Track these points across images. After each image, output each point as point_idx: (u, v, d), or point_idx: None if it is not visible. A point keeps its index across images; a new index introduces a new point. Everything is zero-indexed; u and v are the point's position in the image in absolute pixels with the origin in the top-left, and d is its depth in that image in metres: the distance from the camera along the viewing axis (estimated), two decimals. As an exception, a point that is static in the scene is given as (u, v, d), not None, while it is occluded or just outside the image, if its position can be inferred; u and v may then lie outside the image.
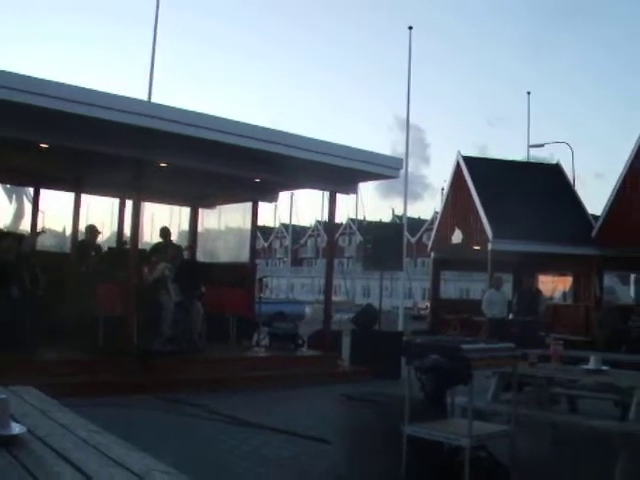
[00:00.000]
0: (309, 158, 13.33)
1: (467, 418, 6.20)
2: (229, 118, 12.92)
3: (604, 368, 8.10)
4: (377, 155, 14.73)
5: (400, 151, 29.18)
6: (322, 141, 13.90)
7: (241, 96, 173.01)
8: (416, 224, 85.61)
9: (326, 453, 7.67)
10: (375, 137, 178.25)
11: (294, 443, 8.37)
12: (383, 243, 16.17)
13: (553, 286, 31.41)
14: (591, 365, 8.05)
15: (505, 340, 17.10)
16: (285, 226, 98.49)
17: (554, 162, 29.78)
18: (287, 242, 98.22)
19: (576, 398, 9.73)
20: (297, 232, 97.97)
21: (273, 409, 10.52)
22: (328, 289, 16.40)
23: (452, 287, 65.76)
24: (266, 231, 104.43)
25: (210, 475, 6.57)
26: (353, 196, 18.45)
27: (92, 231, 15.20)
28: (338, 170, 14.13)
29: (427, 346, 6.47)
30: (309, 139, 13.74)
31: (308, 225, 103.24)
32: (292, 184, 16.72)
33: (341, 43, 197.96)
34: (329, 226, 17.07)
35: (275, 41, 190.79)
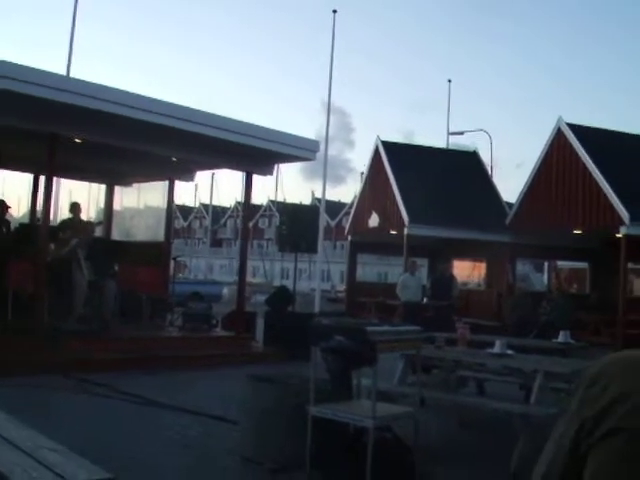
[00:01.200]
0: (223, 137, 13.21)
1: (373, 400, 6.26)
2: (142, 94, 12.72)
3: (509, 352, 8.26)
4: (293, 137, 14.69)
5: (324, 134, 29.04)
6: (237, 121, 13.81)
7: (169, 82, 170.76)
8: (337, 207, 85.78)
9: (233, 433, 7.66)
10: (303, 121, 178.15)
11: (201, 423, 8.33)
12: (299, 225, 16.18)
13: (468, 272, 31.90)
14: (496, 349, 8.19)
15: (418, 324, 17.38)
16: (205, 206, 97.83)
17: (472, 150, 30.22)
18: (207, 222, 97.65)
19: (484, 381, 9.90)
20: (217, 213, 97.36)
21: (182, 389, 10.46)
22: (242, 270, 16.37)
23: (370, 270, 66.18)
24: (186, 211, 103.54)
25: (111, 455, 6.48)
26: (275, 178, 18.38)
27: (1, 206, 14.78)
28: (254, 151, 14.05)
29: (332, 328, 6.50)
30: (223, 118, 13.62)
31: (228, 206, 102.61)
32: (209, 164, 16.58)
33: (268, 27, 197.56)
34: (245, 207, 16.96)
35: (201, 27, 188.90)
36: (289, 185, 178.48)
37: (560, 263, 34.43)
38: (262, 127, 14.18)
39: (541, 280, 41.79)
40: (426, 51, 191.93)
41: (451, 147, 35.53)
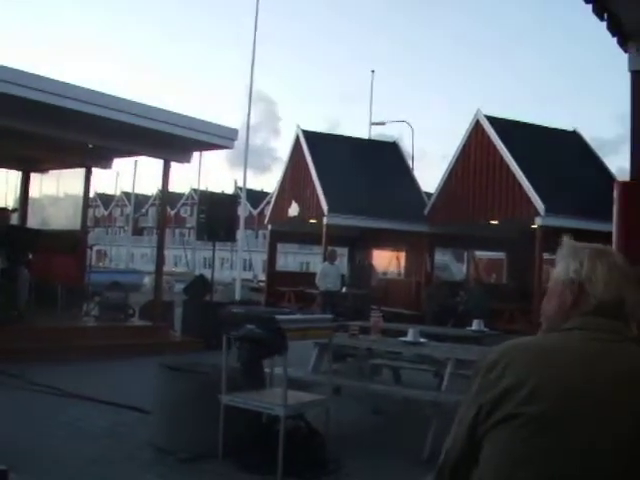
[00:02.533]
0: (140, 124, 13.03)
1: (288, 388, 6.29)
2: (52, 77, 12.42)
3: (422, 340, 8.35)
4: (211, 125, 14.57)
5: (250, 123, 28.86)
6: (153, 107, 13.63)
7: (91, 68, 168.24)
8: (260, 196, 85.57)
9: (146, 423, 7.59)
10: (231, 109, 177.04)
11: (114, 413, 8.25)
12: (217, 214, 16.08)
13: (387, 261, 32.17)
14: (409, 337, 8.28)
15: (337, 312, 17.45)
16: (127, 194, 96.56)
17: (393, 140, 30.47)
18: (128, 211, 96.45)
19: (399, 369, 10.01)
20: (139, 201, 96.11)
21: (97, 380, 10.30)
22: (159, 259, 16.21)
23: (293, 260, 66.35)
24: (107, 199, 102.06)
25: (13, 447, 6.37)
26: (198, 166, 18.21)
27: None
28: (171, 138, 13.90)
29: (243, 316, 6.51)
30: (139, 104, 13.41)
31: (150, 194, 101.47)
32: (127, 151, 16.34)
33: (195, 13, 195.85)
34: (163, 195, 16.76)
35: (124, 12, 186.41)
36: (215, 174, 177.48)
37: (479, 253, 35.01)
38: (179, 114, 14.03)
39: (462, 270, 42.39)
40: (352, 41, 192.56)
41: (379, 138, 35.68)
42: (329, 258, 20.01)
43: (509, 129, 22.70)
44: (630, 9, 4.97)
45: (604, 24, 5.05)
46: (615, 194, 5.30)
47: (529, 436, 1.93)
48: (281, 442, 6.07)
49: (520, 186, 20.85)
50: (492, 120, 22.79)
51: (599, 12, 4.87)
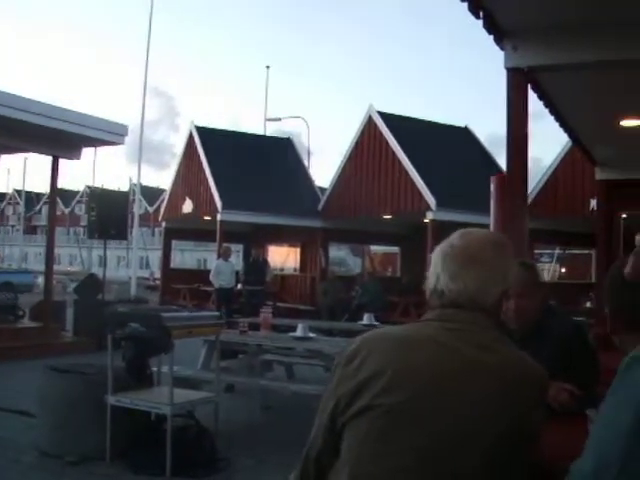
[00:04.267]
0: (26, 120, 12.68)
1: (175, 386, 6.25)
2: None
3: (311, 335, 8.41)
4: (99, 120, 14.30)
5: (149, 118, 28.46)
6: (40, 103, 13.28)
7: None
8: (156, 193, 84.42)
9: (31, 427, 7.42)
10: (129, 105, 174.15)
11: (-2, 418, 8.06)
12: (108, 211, 15.78)
13: (283, 257, 32.24)
14: (299, 333, 8.32)
15: (232, 309, 17.32)
16: (19, 192, 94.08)
17: (287, 136, 30.55)
18: (21, 209, 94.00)
19: (292, 365, 10.04)
20: (32, 199, 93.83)
21: (-18, 383, 10.06)
22: (49, 258, 15.84)
23: (190, 257, 65.77)
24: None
25: None
26: (92, 162, 17.81)
27: None
28: (60, 134, 13.59)
29: (128, 315, 6.44)
30: (25, 99, 13.03)
31: (45, 191, 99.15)
32: (13, 147, 15.89)
33: (92, 8, 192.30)
34: (51, 192, 16.37)
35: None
36: (113, 171, 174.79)
37: (375, 248, 35.40)
38: (67, 110, 13.73)
39: (359, 264, 42.79)
40: (250, 37, 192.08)
41: (277, 135, 35.67)
42: (223, 255, 19.94)
43: (401, 125, 22.95)
44: (504, 7, 5.09)
45: (480, 22, 5.16)
46: (492, 188, 5.45)
47: (385, 427, 1.95)
48: (169, 441, 6.03)
49: (412, 181, 21.13)
50: (384, 116, 23.01)
51: (474, 10, 4.96)
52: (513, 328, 3.49)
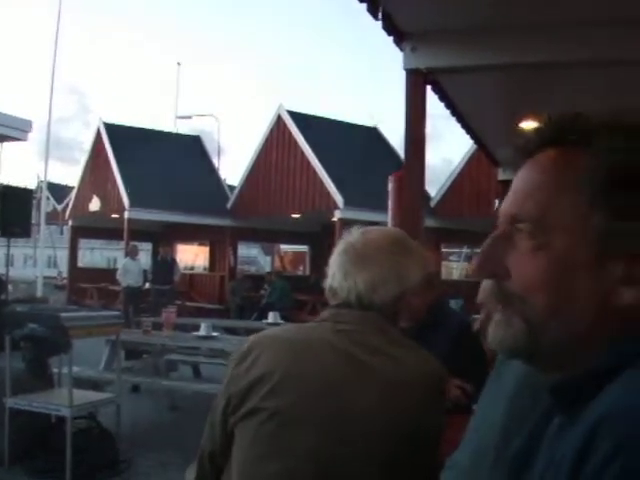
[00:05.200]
0: None
1: (78, 388, 6.16)
2: None
3: (215, 334, 8.37)
4: (0, 115, 13.96)
5: (60, 115, 27.87)
6: None
7: None
8: (66, 191, 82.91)
9: None
10: (42, 102, 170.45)
11: None
12: (11, 208, 15.40)
13: (193, 255, 32.04)
14: (202, 332, 8.28)
15: (140, 309, 17.12)
16: None
17: (197, 134, 30.34)
18: None
19: (198, 364, 9.99)
20: None
21: None
22: None
23: (99, 255, 64.73)
24: None
25: None
26: None
27: None
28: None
29: (25, 315, 6.31)
30: None
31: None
32: None
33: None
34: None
35: None
36: (21, 168, 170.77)
37: (286, 246, 35.44)
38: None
39: (270, 263, 42.82)
40: (161, 35, 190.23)
41: (190, 132, 35.26)
42: (130, 253, 19.69)
43: (310, 124, 23.03)
44: (402, 9, 5.14)
45: (380, 23, 5.21)
46: (390, 187, 5.52)
47: (272, 430, 1.95)
48: (69, 444, 5.93)
49: (320, 180, 21.24)
50: (294, 115, 23.06)
51: (373, 11, 5.00)
52: (405, 326, 3.52)
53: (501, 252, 1.04)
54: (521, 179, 1.07)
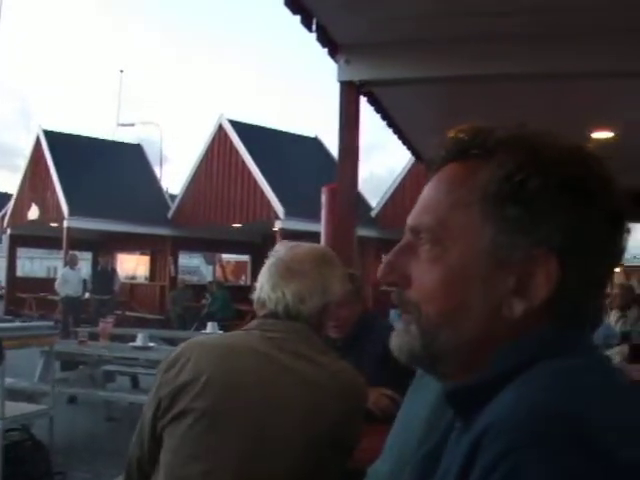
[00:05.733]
0: None
1: (12, 400, 6.07)
2: None
3: (151, 345, 8.33)
4: None
5: (2, 120, 27.38)
6: None
7: None
8: (4, 199, 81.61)
9: None
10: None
11: None
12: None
13: (134, 265, 31.78)
14: (139, 342, 8.23)
15: (80, 319, 16.91)
16: None
17: (137, 142, 30.11)
18: None
19: (136, 375, 9.91)
20: None
21: None
22: None
23: (39, 265, 63.85)
24: None
25: None
26: None
27: None
28: None
29: (-45, 326, 6.22)
30: None
31: None
32: None
33: None
34: None
35: None
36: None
37: (227, 256, 35.32)
38: None
39: (212, 273, 42.65)
40: (104, 41, 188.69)
41: (133, 140, 34.91)
42: (70, 263, 19.43)
43: (252, 133, 23.03)
44: (336, 21, 5.19)
45: (314, 35, 5.25)
46: (323, 198, 5.55)
47: (199, 432, 1.99)
48: (0, 457, 5.84)
49: (261, 190, 21.27)
50: (235, 124, 23.04)
51: (307, 23, 5.04)
52: (334, 337, 3.57)
53: (404, 262, 1.08)
54: (425, 192, 1.11)
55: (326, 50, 5.46)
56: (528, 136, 1.07)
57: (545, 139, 1.06)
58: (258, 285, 2.28)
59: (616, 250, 1.04)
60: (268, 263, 2.27)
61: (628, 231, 1.04)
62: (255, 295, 2.28)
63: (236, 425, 1.98)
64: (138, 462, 2.20)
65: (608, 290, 8.22)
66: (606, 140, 7.97)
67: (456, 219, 1.04)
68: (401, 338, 1.08)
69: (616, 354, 8.45)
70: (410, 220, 1.10)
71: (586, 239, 0.99)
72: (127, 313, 21.42)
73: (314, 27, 5.12)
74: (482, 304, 1.01)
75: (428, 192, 1.10)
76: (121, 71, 40.57)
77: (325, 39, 5.32)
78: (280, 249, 2.32)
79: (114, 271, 19.86)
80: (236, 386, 2.02)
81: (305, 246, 2.36)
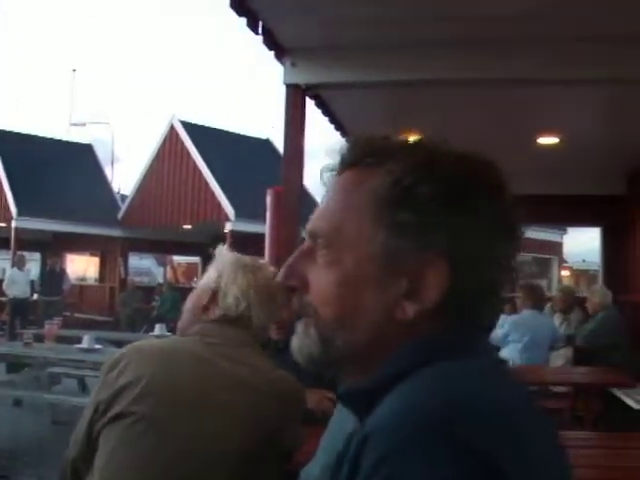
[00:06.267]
0: None
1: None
2: None
3: (98, 347, 8.26)
4: None
5: None
6: None
7: None
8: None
9: None
10: None
11: None
12: None
13: (84, 266, 31.44)
14: (85, 344, 8.16)
15: (28, 320, 16.69)
16: None
17: (87, 142, 29.80)
18: None
19: (84, 377, 9.82)
20: None
21: None
22: None
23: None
24: None
25: None
26: None
27: None
28: None
29: None
30: None
31: None
32: None
33: None
34: None
35: None
36: None
37: (178, 258, 35.09)
38: None
39: (163, 274, 42.32)
40: (57, 40, 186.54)
41: (85, 140, 34.50)
42: (18, 263, 19.19)
43: (203, 135, 22.95)
44: (282, 24, 5.20)
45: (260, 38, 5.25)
46: (268, 200, 5.57)
47: (136, 435, 1.99)
48: None
49: (212, 191, 21.22)
50: (187, 125, 22.95)
51: (253, 26, 5.04)
52: (276, 339, 3.59)
53: (303, 266, 1.11)
54: (323, 199, 1.14)
55: (272, 53, 5.48)
56: (421, 144, 1.11)
57: (438, 148, 1.10)
58: (214, 273, 2.30)
59: (507, 255, 1.08)
60: (243, 276, 2.29)
61: (519, 237, 1.08)
62: (206, 282, 2.30)
63: (173, 428, 1.99)
64: (73, 463, 2.20)
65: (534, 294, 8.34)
66: (552, 145, 8.09)
67: (349, 225, 1.07)
68: (301, 341, 1.11)
69: (560, 357, 8.58)
70: (309, 225, 1.14)
71: (475, 244, 1.03)
72: (76, 315, 21.16)
73: (260, 30, 5.13)
74: (376, 307, 1.04)
75: (325, 198, 1.14)
76: (74, 70, 40.14)
77: (271, 42, 5.33)
78: (222, 257, 2.35)
79: (64, 272, 19.66)
80: (175, 390, 2.03)
81: (250, 257, 2.42)
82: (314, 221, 1.13)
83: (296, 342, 1.12)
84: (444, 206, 1.02)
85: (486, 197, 1.05)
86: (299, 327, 1.12)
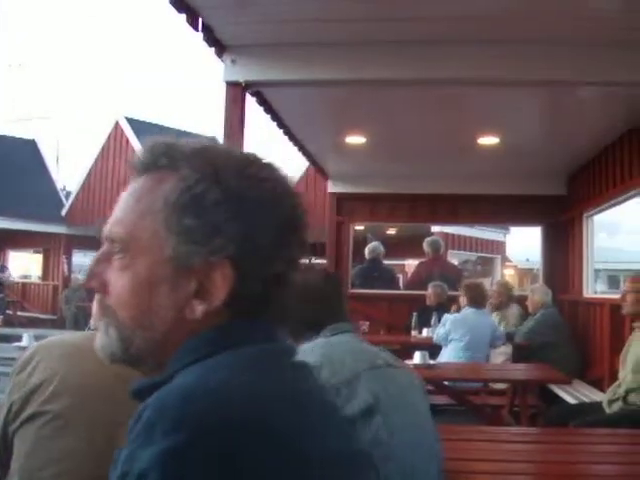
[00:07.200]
0: None
1: None
2: None
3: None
4: None
5: None
6: None
7: None
8: None
9: None
10: None
11: None
12: None
13: (27, 263, 31.02)
14: (24, 343, 8.05)
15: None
16: None
17: (32, 138, 29.38)
18: None
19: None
20: None
21: None
22: None
23: None
24: None
25: None
26: None
27: None
28: None
29: None
30: None
31: None
32: None
33: None
34: None
35: None
36: None
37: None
38: None
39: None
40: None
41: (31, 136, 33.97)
42: (-43, 261, 18.98)
43: (149, 131, 22.58)
44: (222, 22, 5.18)
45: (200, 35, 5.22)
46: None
47: (51, 435, 1.94)
48: None
49: (158, 187, 21.05)
50: (132, 122, 22.76)
51: (193, 23, 5.01)
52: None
53: (102, 269, 1.16)
54: (119, 203, 1.21)
55: (213, 50, 5.46)
56: (212, 151, 1.16)
57: (227, 154, 1.16)
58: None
59: (292, 255, 1.15)
60: None
61: (303, 236, 1.17)
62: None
63: (89, 427, 1.95)
64: None
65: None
66: (492, 145, 8.17)
67: (142, 229, 1.13)
68: (102, 340, 1.16)
69: (500, 354, 8.67)
70: (105, 230, 1.19)
71: (258, 246, 1.10)
72: (18, 313, 20.89)
73: (200, 27, 5.11)
74: (167, 308, 1.10)
75: (120, 202, 1.20)
76: (19, 65, 39.59)
77: (211, 39, 5.31)
78: None
79: (5, 268, 19.39)
80: (89, 387, 1.98)
81: None
82: (110, 225, 1.19)
83: (98, 342, 1.17)
84: (229, 211, 1.08)
85: (270, 201, 1.12)
86: (101, 327, 1.16)
